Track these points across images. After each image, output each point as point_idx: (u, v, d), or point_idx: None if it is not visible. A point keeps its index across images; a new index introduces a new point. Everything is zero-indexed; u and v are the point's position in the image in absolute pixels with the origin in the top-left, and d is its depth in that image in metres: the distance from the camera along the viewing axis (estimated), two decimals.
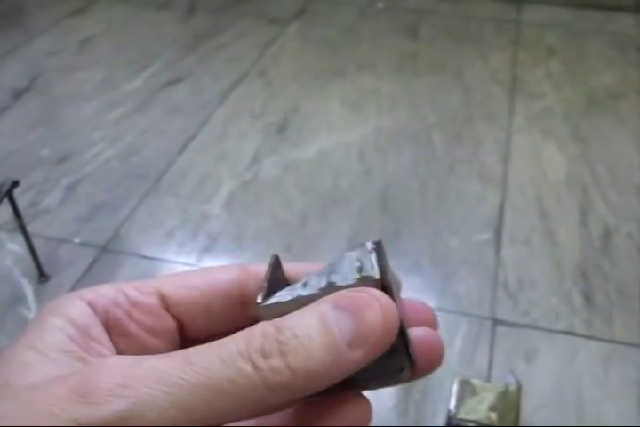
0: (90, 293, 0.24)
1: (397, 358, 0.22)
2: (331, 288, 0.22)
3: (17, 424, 0.18)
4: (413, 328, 0.23)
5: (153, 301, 0.24)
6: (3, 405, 0.18)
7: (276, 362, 0.19)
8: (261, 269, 0.24)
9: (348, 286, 0.22)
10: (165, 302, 0.24)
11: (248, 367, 0.19)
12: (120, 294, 0.24)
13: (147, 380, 0.19)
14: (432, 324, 0.24)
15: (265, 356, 0.19)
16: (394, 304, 0.21)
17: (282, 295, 0.22)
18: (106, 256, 1.13)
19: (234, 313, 0.25)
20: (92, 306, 0.23)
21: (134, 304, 0.23)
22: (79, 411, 0.18)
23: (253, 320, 0.21)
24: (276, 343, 0.19)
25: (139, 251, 1.15)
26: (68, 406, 0.18)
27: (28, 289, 1.06)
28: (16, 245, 1.13)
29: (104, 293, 0.24)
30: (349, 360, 0.19)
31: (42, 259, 1.08)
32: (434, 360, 0.23)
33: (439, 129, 1.48)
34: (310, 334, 0.20)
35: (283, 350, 0.19)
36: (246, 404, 0.19)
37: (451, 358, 0.97)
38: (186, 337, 0.25)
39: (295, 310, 0.21)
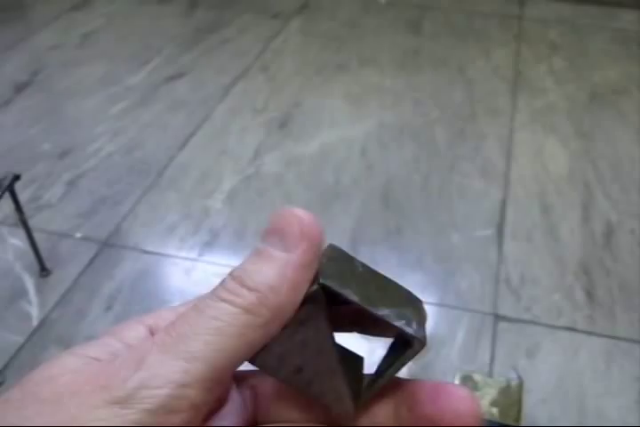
0: (150, 317, 0.25)
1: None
2: None
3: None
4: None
5: None
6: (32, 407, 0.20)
7: (243, 291, 0.22)
8: None
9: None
10: None
11: (223, 304, 0.21)
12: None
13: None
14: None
15: (229, 291, 0.22)
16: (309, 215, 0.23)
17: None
18: (107, 251, 1.13)
19: None
20: (151, 330, 0.24)
21: None
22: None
23: None
24: (231, 281, 0.22)
25: (140, 246, 1.14)
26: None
27: (30, 283, 1.06)
28: (17, 240, 1.13)
29: (164, 315, 0.25)
30: (293, 261, 0.22)
31: (43, 253, 1.08)
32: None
33: (442, 124, 1.48)
34: (252, 261, 0.22)
35: (238, 278, 0.22)
36: (237, 331, 0.21)
37: (452, 353, 0.97)
38: None
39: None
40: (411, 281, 1.09)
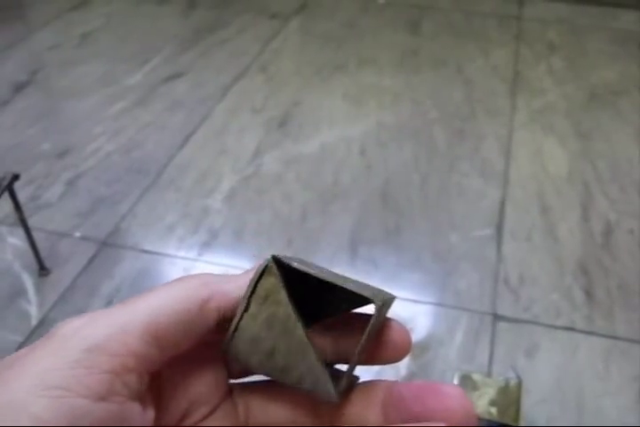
0: None
1: None
2: None
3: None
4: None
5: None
6: None
7: (192, 279, 0.24)
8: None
9: None
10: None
11: (172, 282, 0.24)
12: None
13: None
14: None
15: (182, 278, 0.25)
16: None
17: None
18: (106, 250, 1.13)
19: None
20: None
21: None
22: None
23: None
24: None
25: (139, 245, 1.14)
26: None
27: (29, 283, 1.06)
28: (17, 239, 1.13)
29: None
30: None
31: (42, 253, 1.08)
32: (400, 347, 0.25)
33: (440, 124, 1.48)
34: None
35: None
36: (177, 294, 0.23)
37: (451, 353, 0.97)
38: None
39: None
40: (409, 281, 1.09)
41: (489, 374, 0.93)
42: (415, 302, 1.06)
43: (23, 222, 1.03)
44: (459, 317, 1.03)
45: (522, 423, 0.82)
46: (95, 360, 0.20)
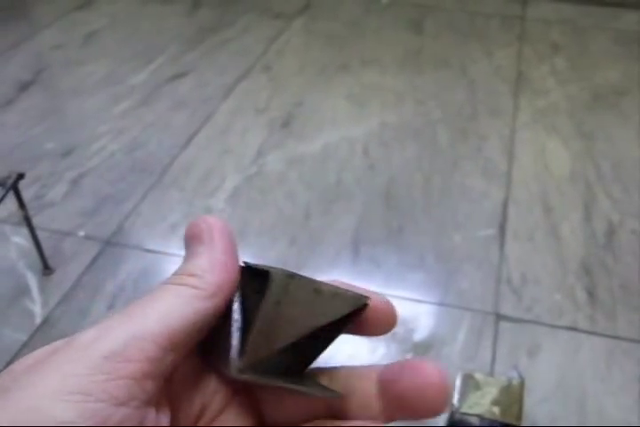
0: None
1: None
2: None
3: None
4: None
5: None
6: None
7: (184, 278, 0.24)
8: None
9: None
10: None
11: (170, 286, 0.24)
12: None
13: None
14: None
15: (173, 281, 0.24)
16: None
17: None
18: (110, 250, 1.14)
19: None
20: None
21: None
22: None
23: None
24: (172, 276, 0.25)
25: (143, 244, 1.15)
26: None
27: (33, 282, 1.07)
28: (21, 238, 1.13)
29: None
30: (216, 247, 0.25)
31: (46, 252, 1.08)
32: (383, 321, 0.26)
33: (443, 124, 1.48)
34: (185, 261, 0.26)
35: (176, 273, 0.25)
36: (185, 300, 0.23)
37: (454, 352, 0.98)
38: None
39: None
40: (412, 280, 1.09)
41: (491, 374, 0.93)
42: (418, 301, 1.06)
43: (28, 221, 1.03)
44: (461, 316, 1.03)
45: (524, 423, 0.82)
46: (114, 367, 0.20)
